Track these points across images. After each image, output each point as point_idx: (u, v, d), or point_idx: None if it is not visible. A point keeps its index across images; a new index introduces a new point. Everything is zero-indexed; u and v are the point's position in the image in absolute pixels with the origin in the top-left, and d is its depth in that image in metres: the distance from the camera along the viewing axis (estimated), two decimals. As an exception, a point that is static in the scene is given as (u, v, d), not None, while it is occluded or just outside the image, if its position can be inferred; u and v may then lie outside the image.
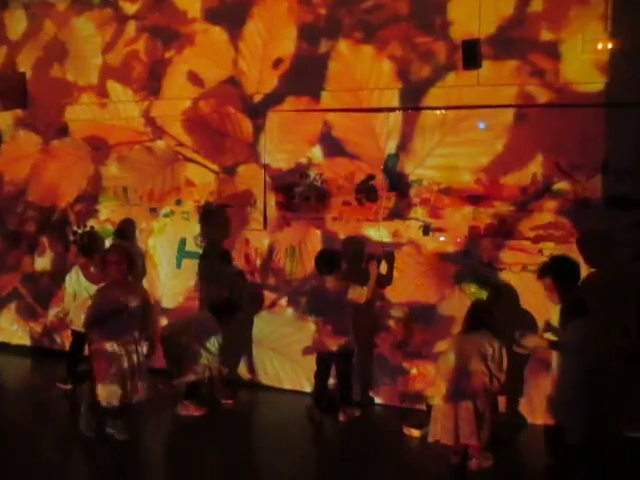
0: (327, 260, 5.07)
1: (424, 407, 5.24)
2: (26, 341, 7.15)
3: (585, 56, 4.80)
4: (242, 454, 4.47)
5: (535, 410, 4.96)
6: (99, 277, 5.79)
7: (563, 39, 4.84)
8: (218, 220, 5.95)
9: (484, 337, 4.21)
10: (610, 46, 4.73)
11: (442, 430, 4.14)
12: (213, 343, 5.14)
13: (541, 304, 4.92)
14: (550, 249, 4.89)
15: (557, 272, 4.19)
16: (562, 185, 4.89)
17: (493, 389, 4.18)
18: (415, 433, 4.80)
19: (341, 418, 5.09)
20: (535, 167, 4.95)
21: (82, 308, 5.79)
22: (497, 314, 4.42)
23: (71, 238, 6.82)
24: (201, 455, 4.48)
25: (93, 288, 5.78)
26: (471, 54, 4.95)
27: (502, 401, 4.80)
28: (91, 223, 6.70)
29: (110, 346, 4.48)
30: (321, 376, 5.20)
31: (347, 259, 5.26)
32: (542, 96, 4.93)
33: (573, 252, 4.82)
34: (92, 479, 4.17)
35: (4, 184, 7.21)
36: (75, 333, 5.91)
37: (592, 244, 4.81)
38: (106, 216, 6.65)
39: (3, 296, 7.28)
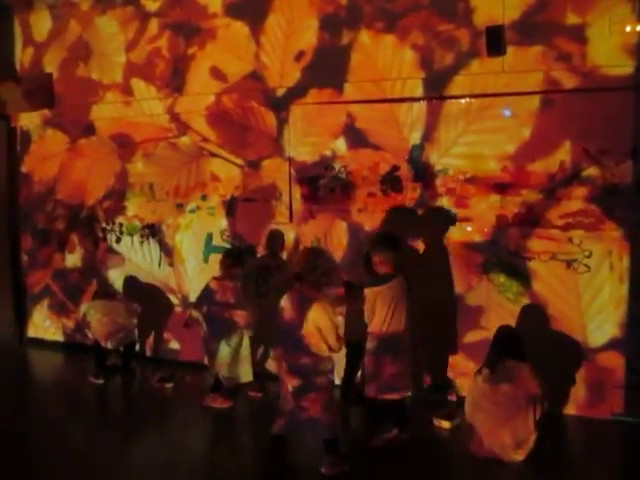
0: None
1: (454, 398, 5.23)
2: (59, 336, 7.31)
3: (613, 39, 4.68)
4: (268, 445, 4.47)
5: (569, 400, 4.95)
6: None
7: (589, 22, 4.73)
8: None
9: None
10: (639, 28, 4.61)
11: None
12: (223, 349, 5.22)
13: (572, 294, 4.89)
14: (580, 237, 4.83)
15: (395, 246, 4.48)
16: (591, 171, 4.80)
17: None
18: (445, 424, 4.78)
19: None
20: (563, 154, 4.87)
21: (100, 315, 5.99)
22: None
23: (100, 235, 6.94)
24: (227, 447, 4.54)
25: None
26: (495, 40, 4.89)
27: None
28: (119, 220, 6.81)
29: None
30: (351, 368, 5.20)
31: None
32: (569, 81, 4.84)
33: (604, 239, 4.77)
34: (122, 468, 4.23)
35: (33, 183, 7.34)
36: None
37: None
38: (134, 212, 6.74)
39: (36, 293, 7.44)
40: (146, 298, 6.54)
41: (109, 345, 5.97)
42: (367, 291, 4.42)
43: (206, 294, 5.31)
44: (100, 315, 6.00)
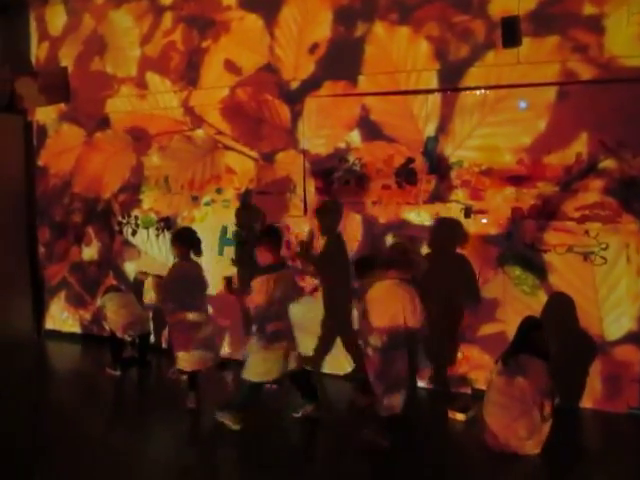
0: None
1: (469, 391, 5.23)
2: (76, 328, 7.39)
3: (630, 29, 4.62)
4: (281, 438, 4.51)
5: (586, 394, 4.94)
6: None
7: (607, 12, 4.67)
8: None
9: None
10: (657, 18, 4.56)
11: None
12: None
13: (588, 287, 4.86)
14: (596, 229, 4.79)
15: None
16: (608, 163, 4.75)
17: None
18: (460, 417, 4.79)
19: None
20: (579, 146, 4.83)
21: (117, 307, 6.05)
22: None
23: (116, 228, 6.99)
24: (243, 437, 4.58)
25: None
26: (510, 31, 4.85)
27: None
28: (135, 213, 6.85)
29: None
30: None
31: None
32: (585, 72, 4.79)
33: (621, 232, 4.73)
34: (137, 458, 4.29)
35: (50, 177, 7.41)
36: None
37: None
38: (149, 205, 6.79)
39: (53, 285, 7.53)
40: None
41: (126, 336, 6.02)
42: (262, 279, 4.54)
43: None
44: (116, 307, 6.07)
